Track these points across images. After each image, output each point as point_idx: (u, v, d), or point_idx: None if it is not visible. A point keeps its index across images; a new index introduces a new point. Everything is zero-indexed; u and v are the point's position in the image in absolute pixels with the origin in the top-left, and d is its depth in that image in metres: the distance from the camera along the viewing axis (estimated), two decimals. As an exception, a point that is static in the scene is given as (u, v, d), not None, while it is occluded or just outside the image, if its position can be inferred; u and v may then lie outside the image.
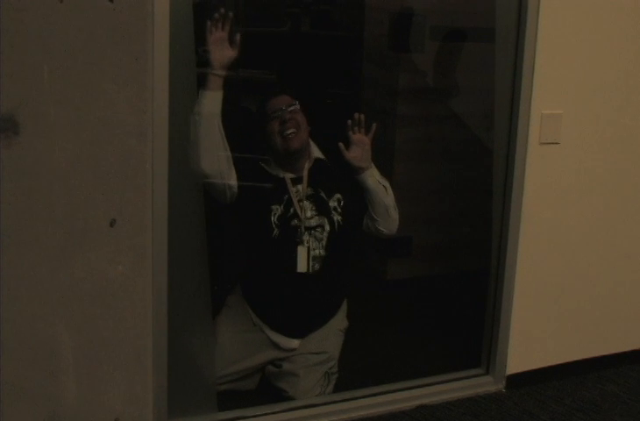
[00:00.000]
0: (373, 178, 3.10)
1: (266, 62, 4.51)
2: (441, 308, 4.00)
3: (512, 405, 3.16)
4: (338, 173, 3.13)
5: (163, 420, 2.57)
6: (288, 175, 3.10)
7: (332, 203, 3.11)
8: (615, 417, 3.12)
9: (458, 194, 4.35)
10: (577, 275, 3.35)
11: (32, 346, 2.28)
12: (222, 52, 2.79)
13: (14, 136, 2.13)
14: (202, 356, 2.88)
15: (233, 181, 2.97)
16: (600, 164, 3.28)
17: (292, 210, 3.07)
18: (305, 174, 3.10)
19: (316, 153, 3.16)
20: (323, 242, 3.09)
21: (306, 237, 3.07)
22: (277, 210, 3.06)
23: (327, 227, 3.10)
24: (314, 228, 3.08)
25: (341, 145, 3.05)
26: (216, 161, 2.88)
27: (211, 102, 2.81)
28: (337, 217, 3.10)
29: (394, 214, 3.18)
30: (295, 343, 3.15)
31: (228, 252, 3.36)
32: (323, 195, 3.11)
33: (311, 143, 3.15)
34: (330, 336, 3.22)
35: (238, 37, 2.78)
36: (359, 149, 3.08)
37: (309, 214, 3.08)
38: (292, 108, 3.05)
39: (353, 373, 3.28)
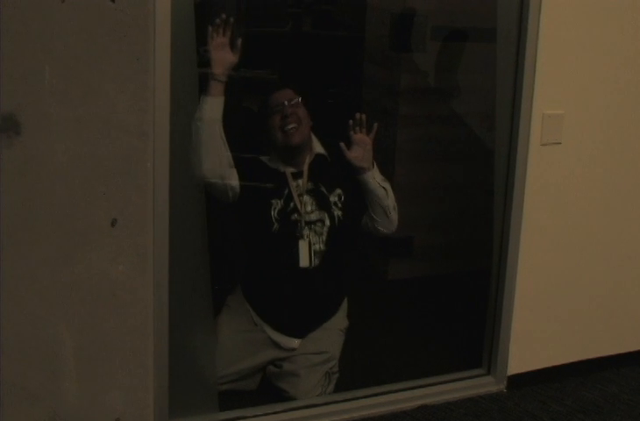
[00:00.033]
0: (374, 180, 3.10)
1: (267, 62, 4.51)
2: (442, 308, 4.00)
3: (513, 406, 3.16)
4: (339, 168, 3.12)
5: (164, 420, 2.57)
6: (289, 170, 3.10)
7: (333, 198, 3.11)
8: (616, 418, 3.12)
9: (460, 194, 4.35)
10: (578, 276, 3.35)
11: (32, 345, 2.28)
12: (223, 57, 2.79)
13: (15, 136, 2.13)
14: (203, 356, 2.88)
15: (235, 181, 2.97)
16: (602, 164, 3.28)
17: (292, 204, 3.06)
18: (306, 168, 3.10)
19: (318, 148, 3.16)
20: (323, 237, 3.10)
21: (306, 231, 3.07)
22: (277, 204, 3.06)
23: (327, 222, 3.10)
24: (314, 223, 3.08)
25: (342, 144, 3.05)
26: (218, 166, 2.88)
27: (213, 108, 2.81)
28: (337, 213, 3.10)
29: (394, 215, 3.18)
30: (295, 342, 3.15)
31: (228, 251, 3.36)
32: (323, 189, 3.11)
33: (313, 138, 3.15)
34: (331, 336, 3.22)
35: (239, 42, 2.79)
36: (360, 149, 3.07)
37: (309, 208, 3.08)
38: (294, 102, 3.05)
39: (354, 373, 3.28)
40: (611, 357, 3.49)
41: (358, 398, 3.08)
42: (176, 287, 2.53)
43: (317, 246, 3.08)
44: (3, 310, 2.22)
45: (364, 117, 3.08)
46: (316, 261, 3.09)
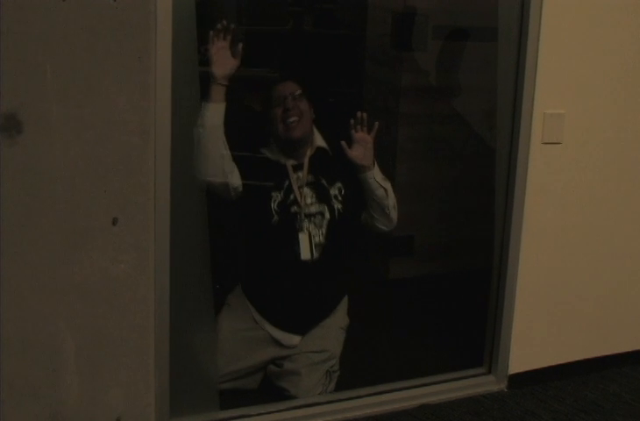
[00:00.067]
0: (374, 180, 3.10)
1: (268, 61, 4.51)
2: (443, 307, 3.99)
3: (514, 405, 3.16)
4: (340, 162, 3.11)
5: (165, 419, 2.58)
6: (290, 162, 3.10)
7: (333, 191, 3.12)
8: (617, 418, 3.12)
9: (461, 193, 4.35)
10: (579, 275, 3.35)
11: (33, 344, 2.28)
12: (224, 61, 2.80)
13: (17, 135, 2.13)
14: (204, 355, 2.88)
15: (238, 181, 2.99)
16: (603, 164, 3.28)
17: (292, 196, 3.07)
18: (306, 161, 3.11)
19: (319, 141, 3.16)
20: (323, 230, 3.10)
21: (306, 224, 3.08)
22: (277, 196, 3.07)
23: (327, 215, 3.10)
24: (314, 215, 3.09)
25: (343, 143, 3.05)
26: (221, 171, 2.91)
27: (214, 114, 2.83)
28: (337, 206, 3.11)
29: (394, 213, 3.19)
30: (296, 339, 3.15)
31: (229, 248, 3.36)
32: (324, 182, 3.12)
33: (315, 131, 3.16)
34: (331, 334, 3.22)
35: (240, 46, 2.80)
36: (361, 148, 3.08)
37: (309, 201, 3.09)
38: (296, 95, 3.05)
39: (355, 372, 3.28)
40: (612, 356, 3.50)
41: (359, 397, 3.09)
42: (177, 285, 2.53)
43: (317, 239, 3.09)
44: (4, 308, 2.22)
45: (365, 115, 3.09)
46: (316, 254, 3.09)
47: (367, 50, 4.63)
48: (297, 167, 3.10)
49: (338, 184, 3.13)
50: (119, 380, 2.41)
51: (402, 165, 4.32)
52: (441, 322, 3.83)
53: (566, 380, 3.37)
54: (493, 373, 3.29)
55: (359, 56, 4.71)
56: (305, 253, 3.07)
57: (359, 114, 3.08)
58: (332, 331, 3.23)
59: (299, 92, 3.07)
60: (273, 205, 3.06)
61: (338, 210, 3.11)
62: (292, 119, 3.02)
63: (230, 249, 3.29)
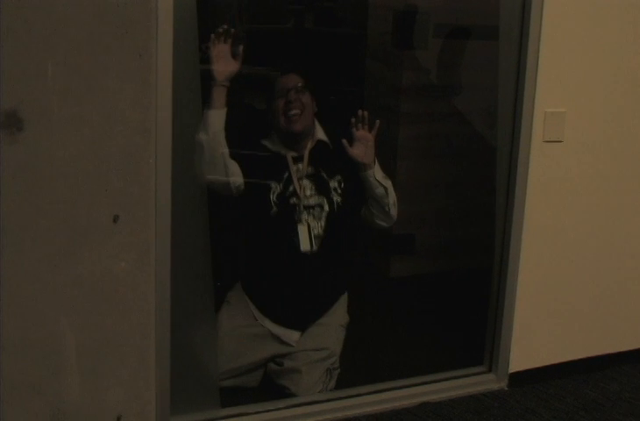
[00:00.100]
0: (374, 179, 3.10)
1: (268, 59, 4.50)
2: (444, 305, 3.99)
3: (514, 403, 3.16)
4: (341, 156, 3.11)
5: (166, 416, 2.58)
6: (290, 154, 3.11)
7: (333, 184, 3.13)
8: (618, 416, 3.12)
9: (462, 191, 4.35)
10: (580, 273, 3.35)
11: (34, 342, 2.28)
12: (225, 64, 2.81)
13: (18, 132, 2.13)
14: (205, 353, 2.89)
15: (240, 179, 3.00)
16: (604, 162, 3.28)
17: (291, 188, 3.08)
18: (306, 153, 3.12)
19: (320, 134, 3.17)
20: (322, 222, 3.11)
21: (305, 216, 3.08)
22: (276, 188, 3.08)
23: (326, 207, 3.11)
24: (312, 207, 3.10)
25: (344, 141, 3.06)
26: (223, 171, 2.93)
27: (216, 120, 2.85)
28: (336, 198, 3.12)
29: (393, 210, 3.20)
30: (295, 335, 3.15)
31: (229, 246, 3.36)
32: (323, 174, 3.13)
33: (316, 124, 3.17)
34: (331, 332, 3.23)
35: (240, 49, 2.81)
36: (362, 146, 3.08)
37: (308, 193, 3.09)
38: (299, 88, 3.06)
39: (356, 370, 3.28)
40: (612, 355, 3.50)
41: (359, 395, 3.09)
42: (178, 283, 2.54)
43: (316, 231, 3.09)
44: (5, 306, 2.21)
45: (366, 114, 3.09)
46: (315, 247, 3.09)
47: (368, 48, 4.63)
48: (297, 159, 3.11)
49: (338, 177, 3.14)
50: (120, 378, 2.41)
51: (403, 163, 4.33)
52: (442, 320, 3.83)
53: (567, 378, 3.37)
54: (493, 371, 3.29)
55: (360, 54, 4.71)
56: (305, 245, 3.08)
57: (359, 112, 3.09)
58: (332, 328, 3.23)
59: (302, 85, 3.07)
60: (272, 197, 3.07)
61: (338, 202, 3.12)
62: (293, 112, 3.03)
63: (229, 246, 3.29)
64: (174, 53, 2.36)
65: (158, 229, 2.39)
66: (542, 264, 3.24)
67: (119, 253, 2.32)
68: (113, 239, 2.30)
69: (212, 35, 2.78)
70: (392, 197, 3.17)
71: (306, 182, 3.10)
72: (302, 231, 3.08)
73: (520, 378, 3.28)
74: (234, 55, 2.82)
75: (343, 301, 3.30)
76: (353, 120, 3.08)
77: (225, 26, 2.79)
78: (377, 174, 3.11)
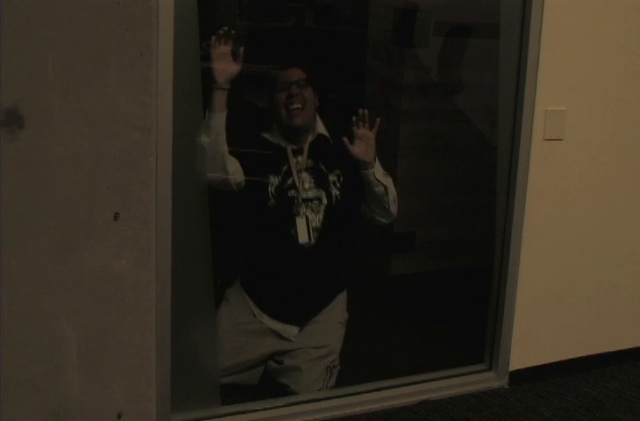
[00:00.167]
0: (374, 178, 3.10)
1: (269, 57, 4.50)
2: (444, 303, 4.00)
3: (515, 401, 3.16)
4: (340, 150, 3.12)
5: (166, 414, 2.58)
6: (290, 146, 3.13)
7: (332, 178, 3.14)
8: (618, 415, 3.12)
9: (462, 189, 4.35)
10: (580, 271, 3.35)
11: (35, 339, 2.28)
12: (225, 66, 2.82)
13: (18, 129, 2.13)
14: (205, 350, 2.89)
15: (241, 176, 3.02)
16: (604, 160, 3.28)
17: (290, 180, 3.10)
18: (306, 146, 3.13)
19: (321, 128, 3.19)
20: (320, 215, 3.12)
21: (303, 208, 3.09)
22: (275, 180, 3.09)
23: (324, 200, 3.12)
24: (311, 200, 3.11)
25: (345, 139, 3.06)
26: (224, 171, 2.93)
27: (217, 123, 2.86)
28: (335, 192, 3.13)
29: (393, 208, 3.20)
30: (294, 330, 3.16)
31: (228, 243, 3.36)
32: (323, 168, 3.14)
33: (317, 119, 3.18)
34: (331, 329, 3.23)
35: (241, 50, 2.82)
36: (363, 144, 3.08)
37: (306, 186, 3.11)
38: (301, 83, 3.07)
39: (357, 368, 3.29)
40: (613, 353, 3.50)
41: (360, 393, 3.09)
42: (179, 281, 2.54)
43: (314, 224, 3.10)
44: (5, 303, 2.22)
45: (366, 112, 3.09)
46: (313, 240, 3.10)
47: (369, 46, 4.63)
48: (297, 152, 3.13)
49: (337, 171, 3.15)
50: (120, 375, 2.41)
51: (404, 161, 4.33)
52: (442, 318, 3.83)
53: (567, 376, 3.38)
54: (494, 369, 3.29)
55: (361, 52, 4.71)
56: (302, 237, 3.09)
57: (360, 111, 3.09)
58: (331, 326, 3.23)
59: (304, 79, 3.08)
60: (271, 189, 3.08)
61: (336, 196, 3.13)
62: (295, 106, 3.05)
63: (228, 242, 3.29)
64: (175, 51, 2.36)
65: (158, 226, 2.39)
66: (542, 262, 3.24)
67: (120, 250, 2.32)
68: (114, 237, 2.30)
69: (213, 37, 2.79)
70: (392, 195, 3.17)
71: (305, 175, 3.12)
72: (301, 223, 3.09)
73: (520, 376, 3.28)
74: (235, 57, 2.83)
75: (342, 298, 3.30)
76: (354, 119, 3.08)
77: (226, 28, 2.80)
78: (377, 172, 3.11)
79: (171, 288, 2.50)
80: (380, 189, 3.12)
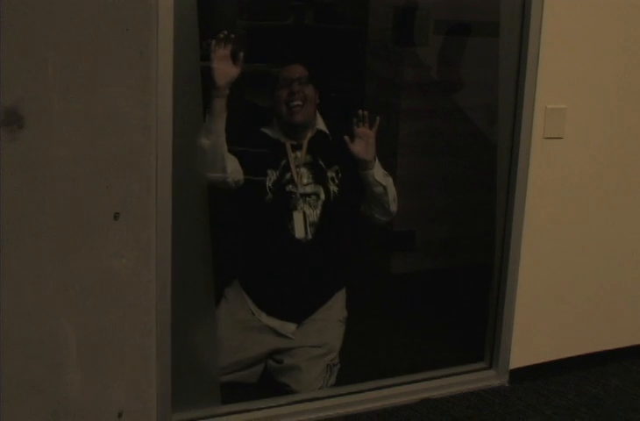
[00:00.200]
0: (373, 179, 3.11)
1: (269, 56, 4.50)
2: (444, 302, 4.00)
3: (515, 399, 3.17)
4: (339, 147, 3.12)
5: (167, 413, 2.58)
6: (289, 141, 3.13)
7: (330, 174, 3.15)
8: (619, 412, 3.12)
9: (462, 188, 4.35)
10: (580, 270, 3.35)
11: (35, 339, 2.28)
12: (225, 69, 2.82)
13: (18, 129, 2.13)
14: (206, 349, 2.89)
15: (240, 175, 3.02)
16: (604, 158, 3.28)
17: (288, 175, 3.11)
18: (305, 142, 3.14)
19: (320, 125, 3.20)
20: (318, 211, 3.12)
21: (300, 203, 3.10)
22: (273, 174, 3.10)
23: (322, 196, 3.13)
24: (308, 195, 3.11)
25: (346, 138, 3.06)
26: (223, 170, 2.93)
27: (218, 127, 2.86)
28: (333, 188, 3.14)
29: (393, 206, 3.21)
30: (292, 327, 3.16)
31: (227, 241, 3.36)
32: (321, 163, 3.15)
33: (318, 115, 3.19)
34: (330, 327, 3.23)
35: (241, 54, 2.82)
36: (363, 142, 3.09)
37: (304, 181, 3.12)
38: (302, 80, 3.09)
39: (357, 366, 3.29)
40: (613, 351, 3.50)
41: (360, 392, 3.09)
42: (179, 280, 2.54)
43: (312, 219, 3.11)
44: (5, 303, 2.22)
45: (366, 113, 3.10)
46: (310, 235, 3.10)
47: (369, 45, 4.63)
48: (296, 147, 3.14)
49: (336, 167, 3.16)
50: (121, 374, 2.41)
51: (404, 160, 4.33)
52: (442, 317, 3.83)
53: (568, 374, 3.38)
54: (494, 367, 3.29)
55: (361, 51, 4.71)
56: (299, 232, 3.10)
57: (360, 112, 3.09)
58: (330, 324, 3.23)
59: (306, 76, 3.09)
60: (268, 183, 3.09)
61: (334, 192, 3.14)
62: (295, 103, 3.07)
63: (227, 241, 3.29)
64: (175, 50, 2.35)
65: (158, 226, 2.39)
66: (542, 260, 3.24)
67: (120, 250, 2.32)
68: (114, 237, 2.30)
69: (213, 41, 2.80)
70: (391, 194, 3.17)
71: (303, 170, 3.12)
72: (298, 218, 3.10)
73: (521, 374, 3.29)
74: (234, 60, 2.84)
75: (341, 296, 3.30)
76: (354, 120, 3.08)
77: (226, 32, 2.81)
78: (376, 173, 3.11)
79: (171, 287, 2.50)
80: (379, 190, 3.13)
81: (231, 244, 3.34)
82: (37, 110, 2.14)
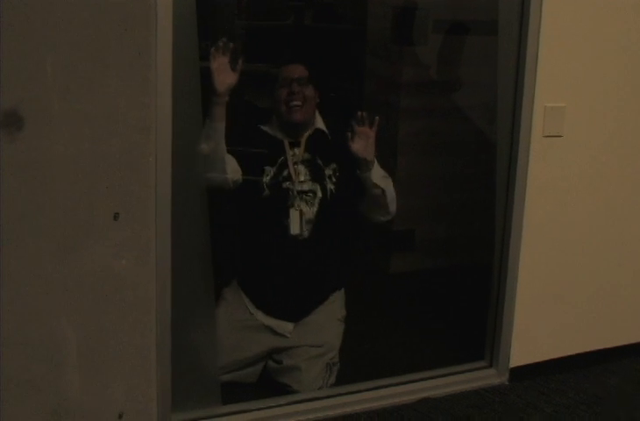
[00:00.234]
0: (371, 181, 3.11)
1: (268, 56, 4.51)
2: (444, 301, 4.00)
3: (515, 398, 3.17)
4: (338, 145, 3.13)
5: (167, 414, 2.58)
6: (287, 139, 3.15)
7: (328, 172, 3.16)
8: (619, 411, 3.12)
9: (461, 187, 4.35)
10: (580, 268, 3.35)
11: (35, 339, 2.28)
12: (224, 77, 2.83)
13: (17, 131, 2.13)
14: (206, 350, 2.89)
15: (238, 175, 3.03)
16: (604, 157, 3.28)
17: (285, 172, 3.12)
18: (304, 139, 3.15)
19: (319, 123, 3.21)
20: (314, 208, 3.13)
21: (297, 201, 3.11)
22: (270, 171, 3.10)
23: (319, 194, 3.14)
24: (305, 192, 3.12)
25: (348, 133, 3.07)
26: (223, 172, 2.95)
27: (217, 133, 2.88)
28: (330, 186, 3.14)
29: (392, 207, 3.22)
30: (289, 326, 3.16)
31: (225, 240, 3.37)
32: (319, 161, 3.16)
33: (317, 114, 3.21)
34: (329, 326, 3.24)
35: (240, 61, 2.84)
36: (362, 141, 3.09)
37: (302, 178, 3.13)
38: (302, 81, 3.10)
39: (357, 366, 3.29)
40: (613, 349, 3.50)
41: (360, 391, 3.09)
42: (178, 281, 2.54)
43: (308, 216, 3.11)
44: (5, 303, 2.22)
45: (365, 114, 3.10)
46: (306, 233, 3.11)
47: (368, 44, 4.63)
48: (294, 144, 3.16)
49: (333, 166, 3.17)
50: (121, 375, 2.41)
51: (403, 159, 4.33)
52: (442, 316, 3.83)
53: (567, 373, 3.38)
54: (494, 366, 3.29)
55: (360, 51, 4.71)
56: (294, 228, 3.10)
57: (359, 114, 3.09)
58: (329, 323, 3.24)
59: (305, 77, 3.10)
60: (265, 179, 3.09)
61: (331, 190, 3.14)
62: (295, 103, 3.08)
63: (226, 241, 3.29)
64: (174, 50, 2.35)
65: (158, 226, 2.39)
66: (542, 259, 3.24)
67: (120, 250, 2.32)
68: (114, 237, 2.30)
69: (212, 49, 2.81)
70: (390, 196, 3.17)
71: (301, 168, 3.13)
72: (294, 215, 3.10)
73: (521, 373, 3.29)
74: (233, 68, 2.85)
75: (340, 295, 3.31)
76: (353, 122, 3.08)
77: (225, 40, 2.83)
78: (375, 175, 3.11)
79: (171, 287, 2.50)
80: (377, 192, 3.13)
81: (229, 244, 3.34)
82: (37, 111, 2.14)
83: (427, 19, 4.23)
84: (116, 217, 2.29)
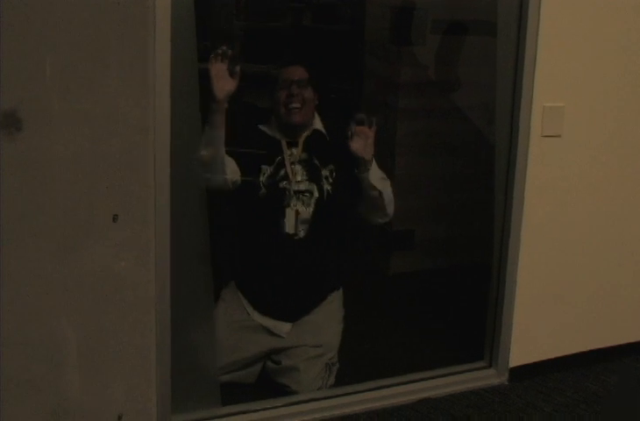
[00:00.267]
0: (368, 182, 3.11)
1: (267, 57, 4.51)
2: (444, 301, 4.00)
3: (515, 398, 3.17)
4: (335, 147, 3.14)
5: (166, 414, 2.58)
6: (285, 139, 3.16)
7: (325, 172, 3.16)
8: (618, 409, 3.12)
9: (460, 187, 4.35)
10: (579, 268, 3.35)
11: (34, 339, 2.29)
12: (223, 83, 2.83)
13: (16, 132, 2.13)
14: (205, 350, 2.89)
15: (237, 176, 3.03)
16: (603, 157, 3.28)
17: (282, 171, 3.12)
18: (301, 140, 3.16)
19: (318, 124, 3.22)
20: (311, 208, 3.13)
21: (293, 200, 3.11)
22: (267, 170, 3.11)
23: (316, 194, 3.14)
24: (302, 192, 3.12)
25: (348, 133, 3.07)
26: (222, 174, 2.95)
27: (217, 139, 2.88)
28: (327, 187, 3.15)
29: (389, 209, 3.22)
30: (286, 327, 3.16)
31: (225, 242, 3.37)
32: (316, 162, 3.16)
33: (315, 115, 3.21)
34: (328, 326, 3.24)
35: (238, 68, 2.84)
36: (361, 140, 3.08)
37: (299, 178, 3.13)
38: (301, 83, 3.10)
39: (356, 366, 3.29)
40: (612, 348, 3.50)
41: (359, 392, 3.09)
42: (178, 281, 2.54)
43: (304, 216, 3.11)
44: (5, 304, 2.22)
45: (364, 116, 3.10)
46: (302, 233, 3.11)
47: (367, 45, 4.63)
48: (292, 144, 3.16)
49: (331, 166, 3.17)
50: (121, 375, 2.42)
51: (402, 159, 4.33)
52: (442, 316, 3.83)
53: (567, 372, 3.38)
54: (494, 366, 3.29)
55: (359, 51, 4.71)
56: (289, 228, 3.11)
57: (358, 116, 3.09)
58: (328, 323, 3.24)
59: (305, 79, 3.10)
60: (262, 178, 3.10)
61: (328, 191, 3.14)
62: (294, 105, 3.08)
63: (225, 242, 3.29)
64: (172, 51, 2.36)
65: (157, 227, 2.40)
66: (541, 259, 3.24)
67: (119, 251, 2.32)
68: (113, 237, 2.31)
69: (211, 56, 2.82)
70: (387, 197, 3.17)
71: (298, 168, 3.14)
72: (290, 214, 3.11)
73: (520, 372, 3.29)
74: (232, 74, 2.85)
75: (338, 295, 3.30)
76: (352, 123, 3.08)
77: (224, 47, 2.83)
78: (373, 176, 3.10)
79: (170, 288, 2.50)
80: (374, 193, 3.13)
81: (227, 245, 3.34)
82: (37, 111, 2.15)
83: (425, 20, 4.23)
84: (115, 218, 2.30)
